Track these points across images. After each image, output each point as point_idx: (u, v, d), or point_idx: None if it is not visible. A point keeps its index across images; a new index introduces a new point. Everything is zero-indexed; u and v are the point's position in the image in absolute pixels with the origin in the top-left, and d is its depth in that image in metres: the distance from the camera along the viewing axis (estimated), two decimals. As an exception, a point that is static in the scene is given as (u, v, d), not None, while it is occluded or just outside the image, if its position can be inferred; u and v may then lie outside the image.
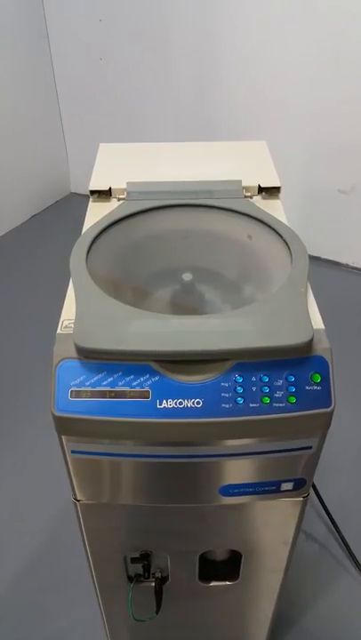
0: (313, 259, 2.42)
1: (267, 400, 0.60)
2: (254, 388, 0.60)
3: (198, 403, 0.59)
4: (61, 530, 1.32)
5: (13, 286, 2.16)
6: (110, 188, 0.88)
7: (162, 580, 0.85)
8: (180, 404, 0.59)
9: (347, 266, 2.23)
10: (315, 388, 0.60)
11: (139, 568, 0.83)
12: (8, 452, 1.52)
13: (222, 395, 0.59)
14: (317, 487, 1.24)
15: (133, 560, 0.81)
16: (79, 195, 2.67)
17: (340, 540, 1.29)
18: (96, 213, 0.83)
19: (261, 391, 0.60)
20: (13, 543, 1.32)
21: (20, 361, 1.79)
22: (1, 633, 1.18)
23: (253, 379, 0.60)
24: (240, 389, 0.60)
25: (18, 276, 2.21)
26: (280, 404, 0.60)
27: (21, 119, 2.39)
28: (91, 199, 0.89)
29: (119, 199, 0.87)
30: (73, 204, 2.66)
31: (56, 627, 1.18)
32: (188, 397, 0.59)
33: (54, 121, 2.59)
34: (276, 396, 0.60)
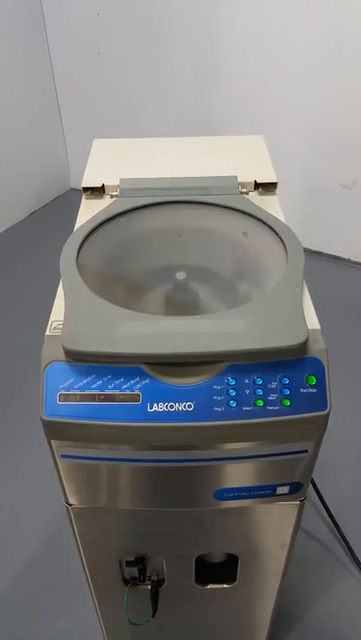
0: (315, 254, 2.42)
1: (260, 403, 0.58)
2: (247, 391, 0.58)
3: (190, 406, 0.58)
4: (61, 530, 1.30)
5: (13, 283, 2.15)
6: (103, 185, 0.87)
7: (158, 583, 0.84)
8: (172, 407, 0.58)
9: (349, 261, 2.21)
10: (310, 390, 0.59)
11: (134, 571, 0.82)
12: (7, 453, 1.52)
13: (214, 398, 0.58)
14: (318, 486, 1.22)
15: (128, 563, 0.80)
16: (79, 190, 2.65)
17: (342, 539, 1.28)
18: (89, 211, 0.81)
19: (255, 394, 0.58)
20: (13, 543, 1.32)
21: (20, 360, 1.78)
22: (1, 633, 1.17)
23: (247, 381, 0.59)
24: (233, 392, 0.58)
25: (17, 274, 2.20)
26: (274, 408, 0.58)
27: (20, 114, 2.38)
28: (84, 196, 0.88)
29: (112, 196, 0.86)
30: (73, 199, 2.63)
31: (56, 627, 1.18)
32: (180, 401, 0.58)
33: (53, 116, 2.57)
34: (270, 398, 0.58)
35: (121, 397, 0.58)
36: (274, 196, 0.87)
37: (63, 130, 2.63)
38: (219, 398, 0.58)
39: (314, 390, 0.59)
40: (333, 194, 2.08)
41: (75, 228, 0.77)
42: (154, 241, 0.82)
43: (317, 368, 0.59)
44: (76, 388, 0.58)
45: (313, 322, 0.63)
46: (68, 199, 2.68)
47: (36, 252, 2.28)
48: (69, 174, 2.74)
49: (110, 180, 0.87)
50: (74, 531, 0.75)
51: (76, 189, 2.73)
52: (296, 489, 0.68)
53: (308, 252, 0.71)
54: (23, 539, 1.33)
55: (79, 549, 0.78)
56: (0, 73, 2.23)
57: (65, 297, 0.65)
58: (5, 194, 2.41)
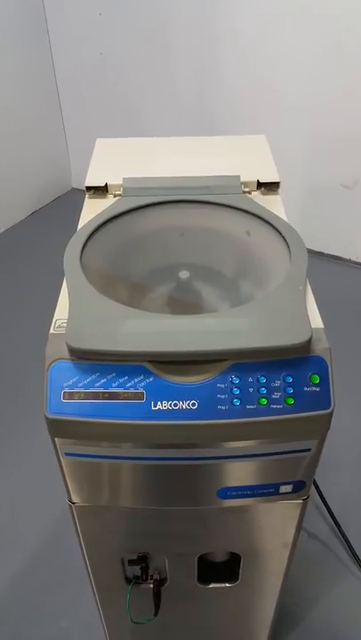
0: (316, 254, 2.42)
1: (264, 401, 0.58)
2: (251, 390, 0.58)
3: (194, 404, 0.58)
4: (62, 529, 1.31)
5: (13, 283, 2.15)
6: (107, 184, 0.87)
7: (160, 582, 0.83)
8: (175, 405, 0.58)
9: (349, 261, 2.21)
10: (313, 389, 0.59)
11: (137, 570, 0.82)
12: (7, 452, 1.52)
13: (218, 396, 0.58)
14: (319, 485, 1.22)
15: (131, 562, 0.80)
16: (80, 190, 2.66)
17: (343, 539, 1.28)
18: (92, 210, 0.81)
19: (259, 392, 0.58)
20: (13, 543, 1.32)
21: (21, 360, 1.78)
22: (1, 633, 1.17)
23: (250, 379, 0.59)
24: (237, 390, 0.58)
25: (18, 273, 2.20)
26: (278, 406, 0.58)
27: (21, 114, 2.38)
28: (87, 195, 0.88)
29: (115, 195, 0.86)
30: (74, 199, 2.65)
31: (56, 627, 1.18)
32: (184, 399, 0.58)
33: (55, 116, 2.57)
34: (274, 397, 0.58)
35: (125, 395, 0.58)
36: (276, 195, 0.87)
37: (65, 130, 2.63)
38: (222, 397, 0.58)
39: (317, 389, 0.59)
40: (334, 194, 2.08)
41: (78, 227, 0.77)
42: (157, 240, 0.82)
43: (321, 367, 0.59)
44: (80, 386, 0.58)
45: (316, 321, 0.63)
46: (69, 199, 2.68)
47: (37, 252, 2.28)
48: (70, 174, 2.74)
49: (113, 179, 0.87)
50: (76, 529, 0.75)
51: (77, 189, 2.73)
52: (299, 488, 0.68)
53: (308, 252, 0.71)
54: (23, 539, 1.32)
55: (82, 548, 0.78)
56: (2, 73, 2.23)
57: (69, 295, 0.65)
58: (6, 193, 2.41)
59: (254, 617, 0.96)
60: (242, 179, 0.86)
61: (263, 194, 0.87)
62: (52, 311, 0.66)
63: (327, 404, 0.59)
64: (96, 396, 0.58)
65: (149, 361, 0.59)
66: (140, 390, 0.58)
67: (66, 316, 0.62)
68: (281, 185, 0.87)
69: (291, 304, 0.63)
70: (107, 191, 0.87)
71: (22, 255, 2.31)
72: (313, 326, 0.60)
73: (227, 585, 0.86)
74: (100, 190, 0.87)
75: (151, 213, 0.81)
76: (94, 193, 0.87)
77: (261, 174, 0.87)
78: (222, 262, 0.83)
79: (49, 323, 0.64)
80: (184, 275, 0.78)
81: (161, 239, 0.82)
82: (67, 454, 0.63)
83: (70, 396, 0.58)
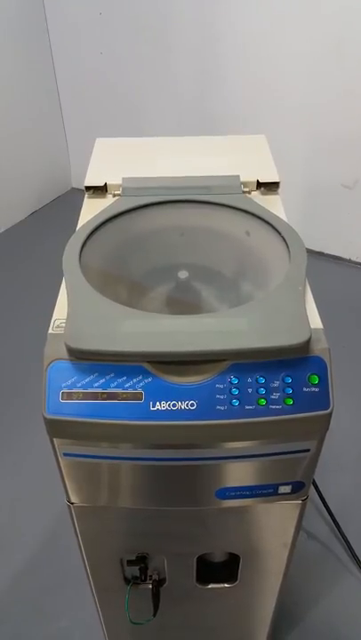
0: (316, 254, 2.41)
1: (263, 402, 0.58)
2: (250, 390, 0.58)
3: (192, 405, 0.58)
4: (61, 529, 1.31)
5: (13, 283, 2.14)
6: (106, 184, 0.87)
7: (159, 583, 0.83)
8: (174, 405, 0.58)
9: (349, 261, 2.21)
10: (312, 389, 0.59)
11: (135, 570, 0.81)
12: (7, 452, 1.52)
13: (217, 396, 0.58)
14: (319, 486, 1.22)
15: (130, 562, 0.80)
16: (80, 190, 2.65)
17: (343, 539, 1.28)
18: (91, 210, 0.81)
19: (257, 393, 0.58)
20: (13, 543, 1.32)
21: (20, 360, 1.78)
22: (1, 633, 1.17)
23: (249, 380, 0.58)
24: (235, 391, 0.58)
25: (18, 273, 2.20)
26: (277, 406, 0.58)
27: (21, 114, 2.37)
28: (86, 195, 0.88)
29: (115, 195, 0.86)
30: (74, 199, 2.64)
31: (56, 627, 1.17)
32: (182, 399, 0.58)
33: (55, 116, 2.57)
34: (273, 397, 0.58)
35: (123, 396, 0.58)
36: (276, 195, 0.87)
37: (65, 129, 2.63)
38: (221, 397, 0.58)
39: (316, 389, 0.59)
40: (334, 194, 2.08)
41: (77, 227, 0.77)
42: (156, 240, 0.82)
43: (320, 367, 0.59)
44: (79, 387, 0.58)
45: (316, 321, 0.63)
46: (69, 199, 2.68)
47: (37, 252, 2.28)
48: (70, 174, 2.74)
49: (113, 179, 0.87)
50: (75, 529, 0.75)
51: (77, 189, 2.73)
52: (298, 488, 0.68)
53: (308, 252, 0.71)
54: (23, 539, 1.32)
55: (80, 548, 0.78)
56: (2, 72, 2.23)
57: (68, 295, 0.65)
58: (6, 193, 2.41)
59: (254, 617, 0.96)
60: (242, 179, 0.86)
61: (263, 194, 0.87)
62: (52, 311, 0.65)
63: (326, 405, 0.59)
64: (95, 396, 0.58)
65: (148, 361, 0.59)
66: (139, 390, 0.58)
67: (65, 316, 0.62)
68: (281, 185, 0.87)
69: (290, 304, 0.63)
70: (106, 191, 0.87)
71: (22, 255, 2.31)
72: (312, 326, 0.60)
73: (226, 585, 0.86)
74: (100, 190, 0.87)
75: (151, 213, 0.81)
76: (93, 193, 0.87)
77: (261, 174, 0.87)
78: (222, 262, 0.83)
79: (49, 323, 0.64)
80: (183, 275, 0.78)
81: (160, 239, 0.82)
82: (65, 454, 0.63)
83: (69, 396, 0.58)
